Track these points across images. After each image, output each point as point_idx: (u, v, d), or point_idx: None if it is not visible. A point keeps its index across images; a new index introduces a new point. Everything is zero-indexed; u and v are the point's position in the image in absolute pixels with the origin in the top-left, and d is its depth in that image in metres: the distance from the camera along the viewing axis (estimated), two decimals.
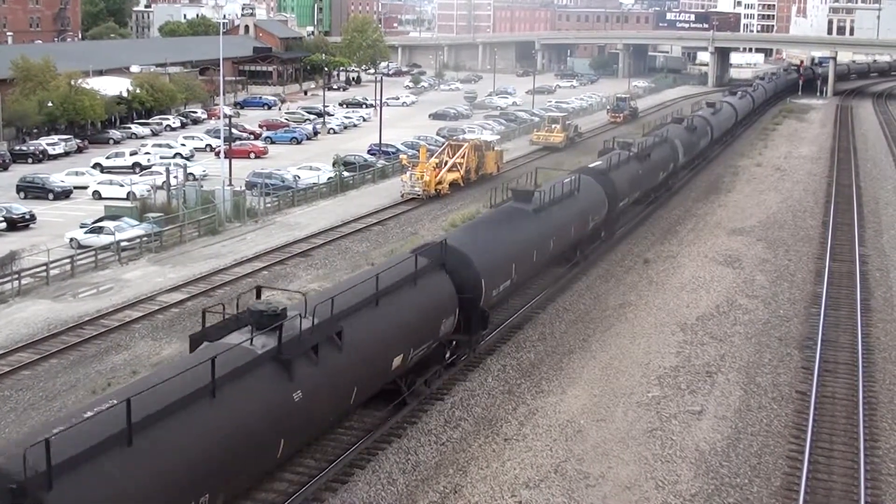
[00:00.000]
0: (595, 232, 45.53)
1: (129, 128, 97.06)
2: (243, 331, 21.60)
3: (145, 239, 49.01)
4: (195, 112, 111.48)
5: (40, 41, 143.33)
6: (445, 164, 65.37)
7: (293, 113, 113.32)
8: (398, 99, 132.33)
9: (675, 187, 65.73)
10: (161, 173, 62.06)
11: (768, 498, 23.57)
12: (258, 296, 24.74)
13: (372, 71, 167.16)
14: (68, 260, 44.77)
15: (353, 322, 23.81)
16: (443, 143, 74.67)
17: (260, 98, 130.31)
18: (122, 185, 63.61)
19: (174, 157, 78.49)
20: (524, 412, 28.49)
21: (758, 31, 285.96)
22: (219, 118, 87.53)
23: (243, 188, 61.09)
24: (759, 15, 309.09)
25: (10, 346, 34.44)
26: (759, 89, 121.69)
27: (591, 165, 49.25)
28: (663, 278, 43.08)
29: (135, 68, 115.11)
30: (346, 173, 69.36)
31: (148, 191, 60.05)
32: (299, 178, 66.85)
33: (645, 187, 54.55)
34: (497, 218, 36.25)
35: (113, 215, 52.52)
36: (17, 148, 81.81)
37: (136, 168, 73.17)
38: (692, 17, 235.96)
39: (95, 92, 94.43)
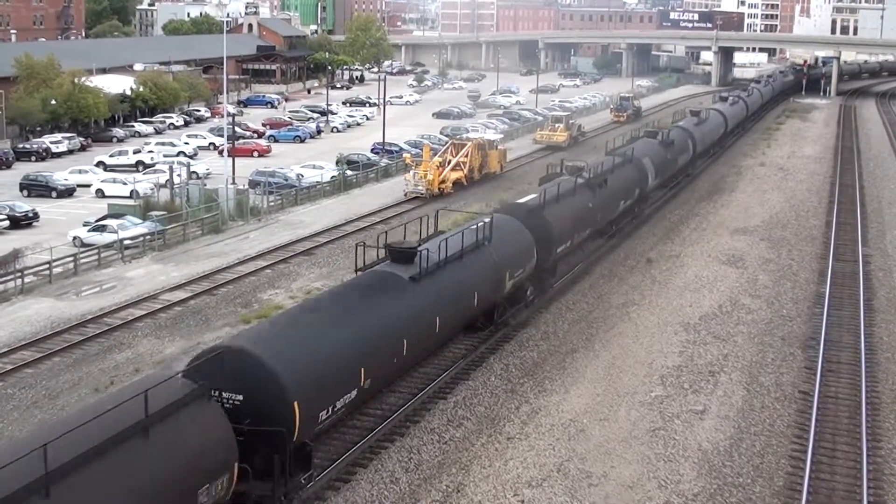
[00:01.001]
0: (518, 291, 35.66)
1: (133, 126, 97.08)
2: None
3: (148, 237, 49.04)
4: (199, 110, 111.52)
5: (44, 39, 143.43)
6: (449, 162, 65.38)
7: (296, 111, 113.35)
8: (401, 98, 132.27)
9: (645, 214, 55.83)
10: (164, 172, 62.05)
11: (771, 498, 23.56)
12: None
13: (375, 70, 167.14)
14: (71, 258, 44.80)
15: None
16: (446, 142, 74.70)
17: (263, 96, 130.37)
18: (125, 184, 63.63)
19: (177, 155, 78.48)
20: (527, 411, 28.49)
21: (761, 31, 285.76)
22: (222, 116, 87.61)
23: (246, 187, 61.08)
24: (762, 14, 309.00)
25: (12, 345, 34.49)
26: (754, 94, 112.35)
27: (520, 200, 38.82)
28: (666, 278, 43.05)
29: (138, 66, 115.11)
30: (349, 172, 69.39)
31: (151, 189, 60.05)
32: (302, 176, 66.88)
33: (597, 224, 44.40)
34: (350, 295, 26.08)
35: (116, 213, 52.56)
36: (21, 146, 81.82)
37: (140, 166, 73.19)
38: (696, 17, 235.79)
39: (99, 90, 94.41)
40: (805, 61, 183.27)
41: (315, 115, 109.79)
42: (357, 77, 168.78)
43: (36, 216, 55.78)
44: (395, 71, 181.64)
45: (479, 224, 32.90)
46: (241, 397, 20.51)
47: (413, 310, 26.80)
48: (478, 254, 31.69)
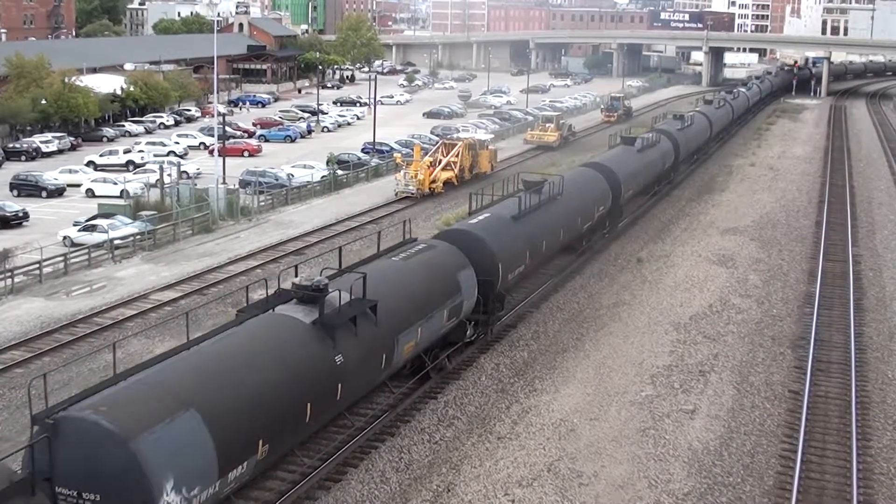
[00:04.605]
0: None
1: (123, 125, 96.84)
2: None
3: (139, 237, 48.94)
4: (189, 110, 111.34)
5: (34, 38, 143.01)
6: (439, 162, 65.40)
7: (287, 111, 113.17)
8: (392, 97, 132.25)
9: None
10: (155, 171, 61.95)
11: (761, 497, 23.60)
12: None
13: (366, 69, 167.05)
14: (61, 258, 44.67)
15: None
16: (437, 142, 74.68)
17: (254, 96, 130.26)
18: (115, 183, 63.49)
19: (168, 155, 78.31)
20: (517, 411, 28.50)
21: (752, 31, 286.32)
22: (212, 116, 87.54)
23: (237, 186, 61.02)
24: (753, 15, 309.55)
25: (2, 344, 34.37)
26: (693, 124, 71.97)
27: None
28: (657, 277, 43.11)
29: (129, 66, 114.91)
30: (339, 172, 69.32)
31: (141, 189, 59.95)
32: (293, 176, 66.80)
33: None
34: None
35: (106, 213, 52.42)
36: (11, 145, 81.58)
37: (130, 166, 73.02)
38: (686, 17, 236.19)
39: (89, 89, 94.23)
40: (795, 62, 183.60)
41: (306, 115, 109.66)
42: (348, 77, 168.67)
43: (26, 216, 55.61)
44: (385, 71, 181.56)
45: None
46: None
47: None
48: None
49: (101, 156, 76.04)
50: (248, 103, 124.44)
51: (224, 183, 58.95)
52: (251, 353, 21.00)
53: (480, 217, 35.41)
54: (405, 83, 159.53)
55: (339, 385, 23.04)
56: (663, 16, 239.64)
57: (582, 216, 43.28)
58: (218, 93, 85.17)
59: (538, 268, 39.78)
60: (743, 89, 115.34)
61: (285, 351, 21.73)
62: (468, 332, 32.28)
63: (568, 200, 41.15)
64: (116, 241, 47.70)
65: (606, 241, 49.36)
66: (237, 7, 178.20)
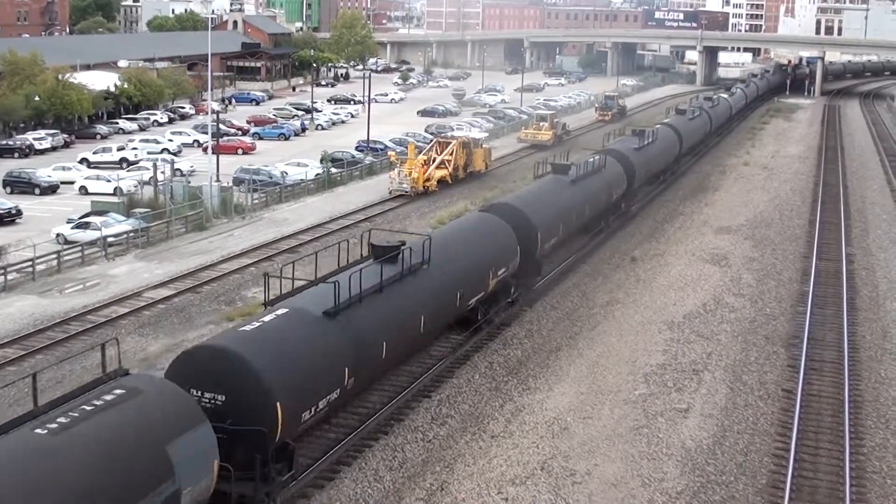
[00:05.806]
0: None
1: (117, 123, 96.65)
2: None
3: (132, 234, 48.84)
4: (183, 107, 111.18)
5: (28, 35, 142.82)
6: (434, 161, 65.37)
7: (281, 109, 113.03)
8: (386, 95, 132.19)
9: None
10: (148, 169, 61.86)
11: (754, 495, 23.63)
12: None
13: (360, 67, 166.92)
14: (55, 255, 44.57)
15: None
16: (431, 140, 74.64)
17: (248, 94, 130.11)
18: (108, 181, 63.34)
19: (161, 152, 78.09)
20: (511, 409, 28.49)
21: (746, 31, 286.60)
22: (206, 114, 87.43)
23: (231, 184, 60.92)
24: (747, 14, 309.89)
25: None
26: (655, 141, 60.09)
27: None
28: (650, 276, 43.12)
29: (122, 63, 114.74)
30: (333, 170, 69.28)
31: (135, 186, 59.83)
32: (287, 174, 66.71)
33: None
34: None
35: (100, 211, 52.32)
36: (4, 142, 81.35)
37: (124, 163, 72.88)
38: (681, 16, 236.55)
39: (83, 86, 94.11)
40: (790, 61, 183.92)
41: (300, 113, 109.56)
42: (342, 75, 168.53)
43: (19, 213, 55.47)
44: (380, 69, 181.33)
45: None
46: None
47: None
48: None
49: (94, 153, 75.94)
50: (234, 100, 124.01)
51: (218, 180, 58.83)
52: None
53: (266, 318, 22.81)
54: (399, 81, 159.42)
55: None
56: (658, 15, 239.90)
57: (465, 289, 31.14)
58: (212, 90, 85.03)
59: (374, 382, 27.89)
60: (725, 95, 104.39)
61: None
62: None
63: (439, 270, 29.29)
64: (110, 239, 47.59)
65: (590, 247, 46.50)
66: (231, 4, 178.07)
